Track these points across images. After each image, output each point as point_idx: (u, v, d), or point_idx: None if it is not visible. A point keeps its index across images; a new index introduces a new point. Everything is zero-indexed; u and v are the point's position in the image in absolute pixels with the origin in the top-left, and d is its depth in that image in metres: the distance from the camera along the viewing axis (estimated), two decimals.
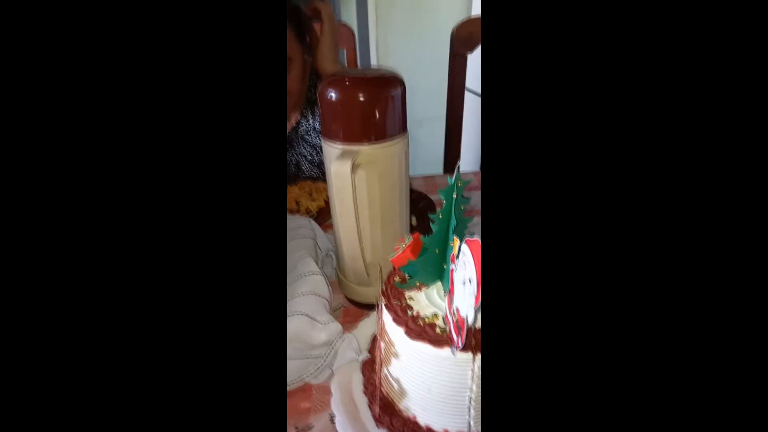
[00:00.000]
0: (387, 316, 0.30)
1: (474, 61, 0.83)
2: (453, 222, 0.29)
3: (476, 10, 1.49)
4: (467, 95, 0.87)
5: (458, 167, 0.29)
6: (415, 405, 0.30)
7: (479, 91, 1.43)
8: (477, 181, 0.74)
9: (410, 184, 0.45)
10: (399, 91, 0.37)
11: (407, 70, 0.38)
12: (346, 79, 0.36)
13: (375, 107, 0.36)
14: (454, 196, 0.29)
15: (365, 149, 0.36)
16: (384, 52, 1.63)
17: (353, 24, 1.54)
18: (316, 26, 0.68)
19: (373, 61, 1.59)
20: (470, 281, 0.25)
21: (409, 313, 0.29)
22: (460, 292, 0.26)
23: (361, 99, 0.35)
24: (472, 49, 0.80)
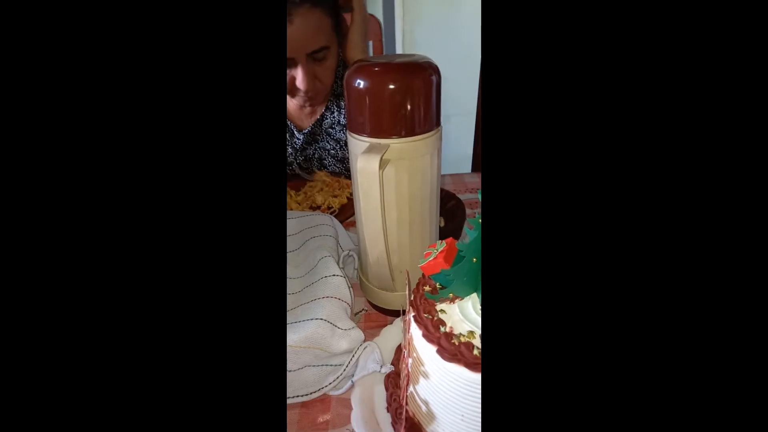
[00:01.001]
0: (416, 331, 0.27)
1: None
2: None
3: None
4: None
5: None
6: (445, 431, 0.27)
7: None
8: None
9: None
10: (434, 79, 0.33)
11: (436, 63, 0.35)
12: (376, 66, 0.33)
13: (407, 97, 0.32)
14: None
15: (395, 144, 0.33)
16: (410, 46, 1.59)
17: (379, 15, 1.51)
18: (346, 16, 0.66)
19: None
20: None
21: (442, 329, 0.26)
22: None
23: (392, 87, 0.32)
24: None
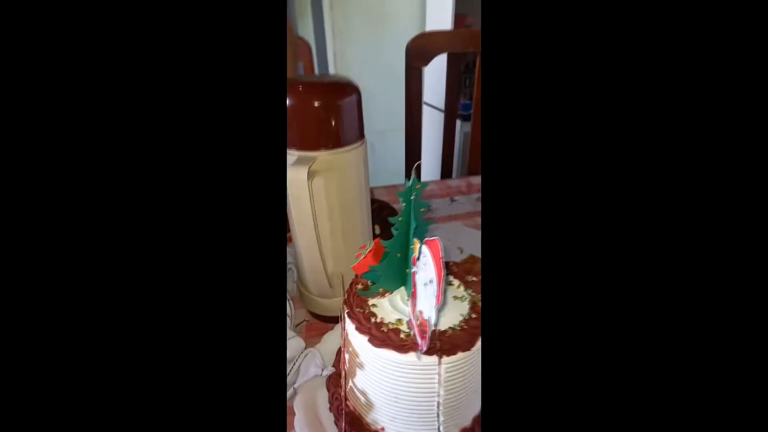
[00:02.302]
0: (350, 325, 0.29)
1: (429, 74, 0.86)
2: (413, 224, 0.29)
3: (430, 24, 1.55)
4: (425, 108, 0.89)
5: (415, 167, 0.29)
6: (383, 417, 0.29)
7: (435, 103, 1.48)
8: (437, 189, 0.76)
9: (373, 194, 0.44)
10: (354, 97, 0.36)
11: (366, 82, 0.38)
12: (300, 85, 0.35)
13: (330, 113, 0.35)
14: (412, 198, 0.29)
15: (322, 155, 0.36)
16: (342, 66, 1.65)
17: (310, 38, 1.55)
18: None
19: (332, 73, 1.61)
20: (431, 282, 0.25)
21: (373, 320, 0.28)
22: (422, 293, 0.25)
23: (316, 105, 0.35)
24: (427, 62, 0.83)
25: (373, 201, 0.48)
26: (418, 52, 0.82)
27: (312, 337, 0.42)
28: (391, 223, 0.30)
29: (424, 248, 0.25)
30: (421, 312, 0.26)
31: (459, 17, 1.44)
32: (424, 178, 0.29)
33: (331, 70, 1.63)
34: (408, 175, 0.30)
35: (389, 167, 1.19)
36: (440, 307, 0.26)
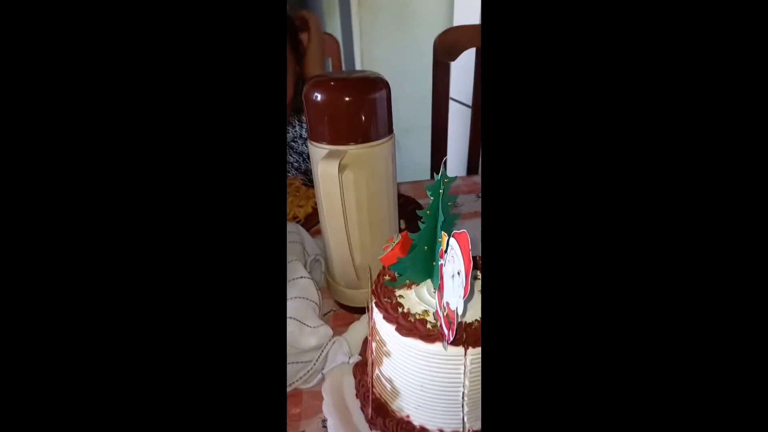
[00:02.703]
0: (377, 315, 0.30)
1: (457, 69, 0.85)
2: (441, 218, 0.29)
3: (458, 20, 1.53)
4: (451, 104, 0.89)
5: (444, 162, 0.30)
6: (408, 404, 0.30)
7: (462, 99, 1.46)
8: (464, 185, 0.75)
9: (398, 189, 0.45)
10: (383, 92, 0.37)
11: (392, 79, 0.39)
12: (331, 81, 0.37)
13: (360, 108, 0.36)
14: (441, 191, 0.29)
15: (352, 150, 0.37)
16: (369, 62, 1.66)
17: (338, 35, 1.56)
18: (303, 36, 0.70)
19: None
20: (459, 274, 0.25)
21: (400, 310, 0.29)
22: (450, 285, 0.26)
23: (347, 100, 0.35)
24: (454, 57, 0.82)
25: (399, 196, 0.48)
26: (446, 47, 0.81)
27: (338, 326, 0.43)
28: (418, 217, 0.30)
29: (453, 241, 0.25)
30: (447, 303, 0.27)
31: None
32: (449, 174, 0.29)
33: (358, 66, 1.65)
34: (436, 171, 0.30)
35: (414, 164, 1.19)
36: (467, 299, 0.26)
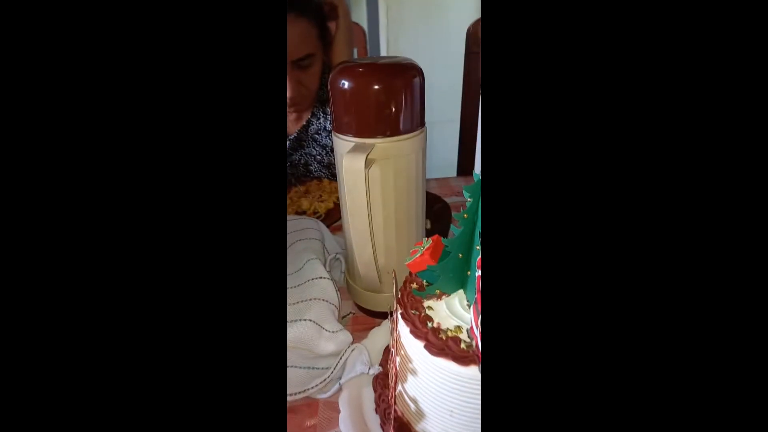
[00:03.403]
0: (403, 328, 0.27)
1: None
2: (479, 223, 0.26)
3: None
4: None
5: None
6: (434, 428, 0.27)
7: None
8: None
9: None
10: (417, 80, 0.34)
11: None
12: (360, 67, 0.33)
13: (390, 97, 0.33)
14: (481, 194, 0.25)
15: (380, 143, 0.33)
16: (395, 52, 1.62)
17: (364, 24, 1.53)
18: (331, 24, 0.67)
19: None
20: None
21: (429, 324, 0.26)
22: None
23: (375, 88, 0.32)
24: None
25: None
26: (480, 36, 0.77)
27: (357, 331, 0.41)
28: (445, 217, 0.27)
29: None
30: None
31: None
32: (478, 170, 0.25)
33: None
34: (462, 172, 0.27)
35: (440, 160, 1.15)
36: None
